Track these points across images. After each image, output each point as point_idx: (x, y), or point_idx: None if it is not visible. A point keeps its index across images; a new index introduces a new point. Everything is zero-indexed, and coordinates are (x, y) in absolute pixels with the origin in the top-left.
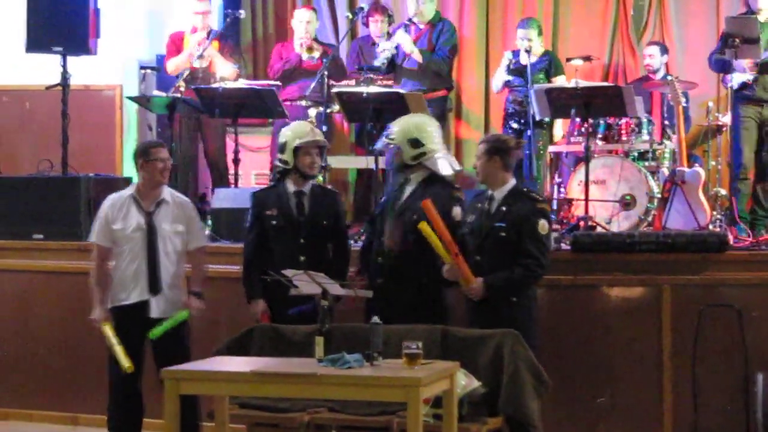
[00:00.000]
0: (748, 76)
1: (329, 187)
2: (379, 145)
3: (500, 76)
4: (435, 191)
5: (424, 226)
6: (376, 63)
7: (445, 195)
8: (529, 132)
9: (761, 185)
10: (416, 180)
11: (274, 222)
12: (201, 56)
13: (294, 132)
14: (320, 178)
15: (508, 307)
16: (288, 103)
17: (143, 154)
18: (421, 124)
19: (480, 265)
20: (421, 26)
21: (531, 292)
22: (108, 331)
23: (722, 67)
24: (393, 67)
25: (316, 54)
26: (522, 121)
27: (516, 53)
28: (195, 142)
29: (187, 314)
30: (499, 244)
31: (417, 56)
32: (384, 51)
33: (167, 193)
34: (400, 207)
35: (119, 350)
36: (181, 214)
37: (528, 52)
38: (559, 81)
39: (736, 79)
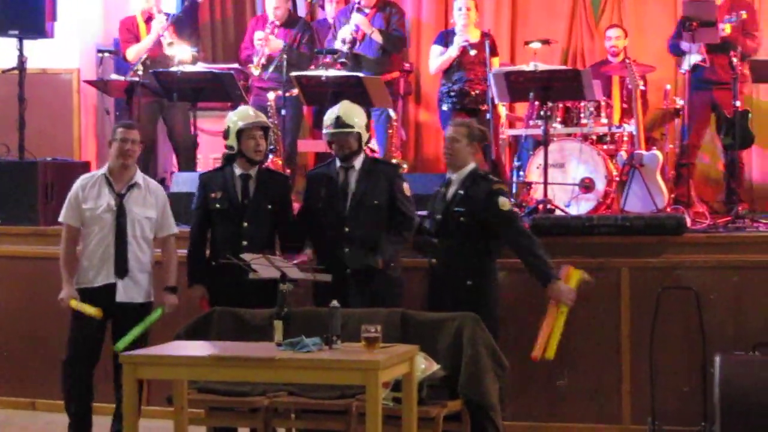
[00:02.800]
0: (698, 58)
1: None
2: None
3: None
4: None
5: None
6: (343, 49)
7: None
8: (488, 115)
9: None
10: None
11: (218, 205)
12: (171, 43)
13: (237, 116)
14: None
15: (466, 290)
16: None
17: (113, 133)
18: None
19: (439, 248)
20: (367, 10)
21: (492, 274)
22: (75, 303)
23: (677, 50)
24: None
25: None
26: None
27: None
28: (156, 125)
29: (162, 311)
30: (458, 228)
31: (377, 36)
32: (344, 40)
33: (140, 177)
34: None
35: (85, 307)
36: (153, 200)
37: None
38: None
39: (686, 62)
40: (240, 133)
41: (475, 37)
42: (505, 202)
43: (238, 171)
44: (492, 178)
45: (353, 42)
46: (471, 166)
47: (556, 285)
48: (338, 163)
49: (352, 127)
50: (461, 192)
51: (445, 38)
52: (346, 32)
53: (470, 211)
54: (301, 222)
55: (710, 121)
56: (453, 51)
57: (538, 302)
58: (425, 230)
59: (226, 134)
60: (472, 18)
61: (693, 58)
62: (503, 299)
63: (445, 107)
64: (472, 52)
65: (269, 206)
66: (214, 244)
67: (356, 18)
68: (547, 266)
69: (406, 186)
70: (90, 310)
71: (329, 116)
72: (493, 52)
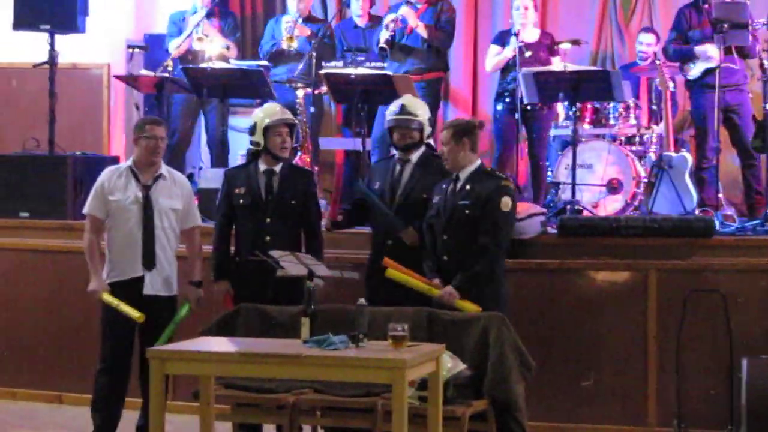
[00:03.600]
0: (711, 64)
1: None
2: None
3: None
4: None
5: (391, 274)
6: (381, 40)
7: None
8: (516, 115)
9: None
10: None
11: (241, 200)
12: (200, 38)
13: (264, 112)
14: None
15: (471, 297)
16: (277, 84)
17: (139, 129)
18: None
19: (448, 244)
20: (419, 5)
21: (500, 270)
22: (107, 297)
23: (684, 56)
24: (392, 46)
25: (295, 45)
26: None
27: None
28: (194, 121)
29: (189, 307)
30: (465, 223)
31: (422, 30)
32: (387, 26)
33: (165, 169)
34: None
35: (125, 307)
36: (179, 192)
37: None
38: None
39: (698, 67)
40: (266, 129)
41: (532, 36)
42: (507, 203)
43: (262, 167)
44: (500, 175)
45: (394, 34)
46: (476, 163)
47: (449, 299)
48: (397, 155)
49: (416, 116)
50: (468, 187)
51: (502, 38)
52: (390, 18)
53: (475, 205)
54: (358, 209)
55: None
56: (508, 52)
57: (561, 303)
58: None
59: (252, 130)
60: (530, 17)
61: (706, 65)
62: (523, 299)
63: (499, 107)
64: (527, 54)
65: (293, 202)
66: (238, 240)
67: (404, 10)
68: (467, 284)
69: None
70: (133, 313)
71: (393, 104)
72: (553, 52)
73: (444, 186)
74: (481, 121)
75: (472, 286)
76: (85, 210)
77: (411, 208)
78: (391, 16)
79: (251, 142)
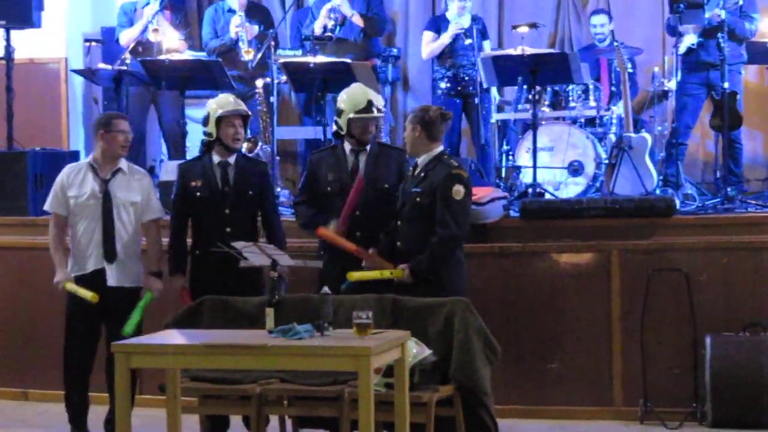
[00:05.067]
0: (693, 41)
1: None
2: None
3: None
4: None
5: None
6: (315, 30)
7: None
8: (476, 100)
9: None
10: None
11: (198, 193)
12: (155, 29)
13: (216, 103)
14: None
15: (433, 283)
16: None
17: (105, 125)
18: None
19: (401, 229)
20: None
21: (455, 264)
22: (70, 286)
23: (672, 31)
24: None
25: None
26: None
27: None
28: (146, 114)
29: (151, 296)
30: (415, 209)
31: (357, 20)
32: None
33: (124, 163)
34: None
35: (82, 291)
36: (137, 185)
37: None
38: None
39: (683, 44)
40: (219, 120)
41: (466, 22)
42: (458, 191)
43: (216, 159)
44: (452, 163)
45: (334, 26)
46: (437, 149)
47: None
48: (348, 147)
49: (382, 112)
50: (422, 174)
51: (436, 23)
52: (324, 14)
53: (426, 192)
54: (310, 204)
55: (705, 101)
56: (446, 38)
57: (525, 286)
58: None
59: (205, 121)
60: (468, 5)
61: (689, 40)
62: (487, 283)
63: (439, 92)
64: (468, 42)
65: (250, 192)
66: (197, 233)
67: (335, 1)
68: (424, 265)
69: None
70: (85, 293)
71: (358, 98)
72: (484, 36)
73: (407, 172)
74: (445, 113)
75: (429, 268)
76: (46, 207)
77: (372, 199)
78: (327, 6)
79: (204, 133)
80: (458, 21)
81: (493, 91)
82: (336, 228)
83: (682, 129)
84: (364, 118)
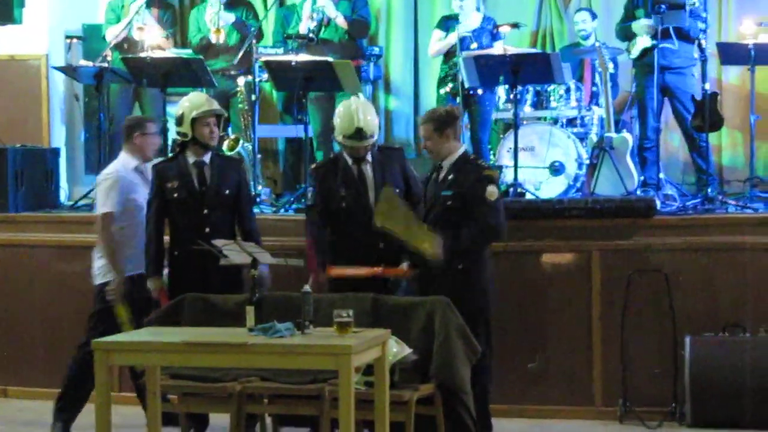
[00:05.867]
0: (647, 44)
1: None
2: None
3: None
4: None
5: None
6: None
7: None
8: (457, 99)
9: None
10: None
11: (175, 194)
12: (141, 27)
13: (191, 103)
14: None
15: (457, 274)
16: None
17: (139, 127)
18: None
19: None
20: None
21: (482, 258)
22: (122, 312)
23: (625, 34)
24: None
25: (223, 37)
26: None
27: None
28: (131, 110)
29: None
30: (446, 213)
31: (341, 21)
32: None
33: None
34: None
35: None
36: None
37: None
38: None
39: (637, 46)
40: (194, 120)
41: (475, 22)
42: (492, 192)
43: (191, 159)
44: (482, 164)
45: (317, 27)
46: (460, 150)
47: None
48: (349, 159)
49: (371, 137)
50: (451, 176)
51: (445, 23)
52: (307, 14)
53: (458, 195)
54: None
55: (664, 104)
56: (452, 38)
57: (506, 286)
58: None
59: (179, 121)
60: (467, 3)
61: (643, 42)
62: None
63: (442, 91)
64: (473, 46)
65: (227, 192)
66: (176, 234)
67: (321, 1)
68: (452, 245)
69: (411, 166)
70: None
71: (348, 124)
72: (495, 37)
73: (428, 175)
74: (459, 109)
75: (461, 252)
76: (105, 209)
77: None
78: (308, 5)
79: (178, 133)
80: (465, 23)
81: (500, 91)
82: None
83: (649, 132)
84: (352, 146)
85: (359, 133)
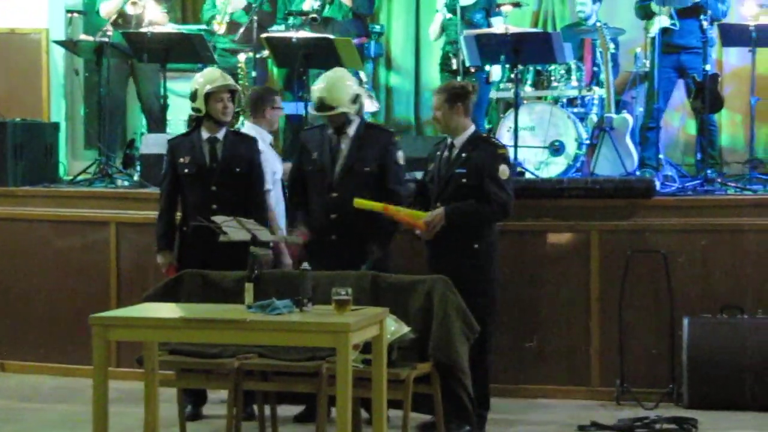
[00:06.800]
0: (667, 23)
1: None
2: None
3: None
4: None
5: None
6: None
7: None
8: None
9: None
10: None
11: (186, 170)
12: (134, 2)
13: (205, 78)
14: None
15: (472, 253)
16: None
17: (270, 101)
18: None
19: None
20: None
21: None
22: None
23: (644, 12)
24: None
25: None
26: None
27: None
28: (126, 86)
29: None
30: (460, 190)
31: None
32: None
33: None
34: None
35: None
36: None
37: None
38: (496, 22)
39: (655, 26)
40: (208, 96)
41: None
42: (504, 171)
43: (205, 135)
44: (496, 142)
45: (323, 3)
46: (470, 129)
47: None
48: (331, 128)
49: (333, 108)
50: (464, 155)
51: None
52: None
53: (471, 173)
54: (296, 181)
55: (677, 85)
56: (439, 18)
57: (505, 265)
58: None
59: (193, 97)
60: None
61: (662, 22)
62: None
63: (446, 71)
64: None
65: (237, 169)
66: (185, 210)
67: None
68: (461, 211)
69: (400, 154)
70: None
71: (312, 97)
72: (490, 14)
73: (438, 153)
74: (475, 85)
75: (464, 215)
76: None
77: (351, 180)
78: None
79: (193, 109)
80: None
81: (493, 67)
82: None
83: (654, 113)
84: (319, 115)
85: (321, 103)
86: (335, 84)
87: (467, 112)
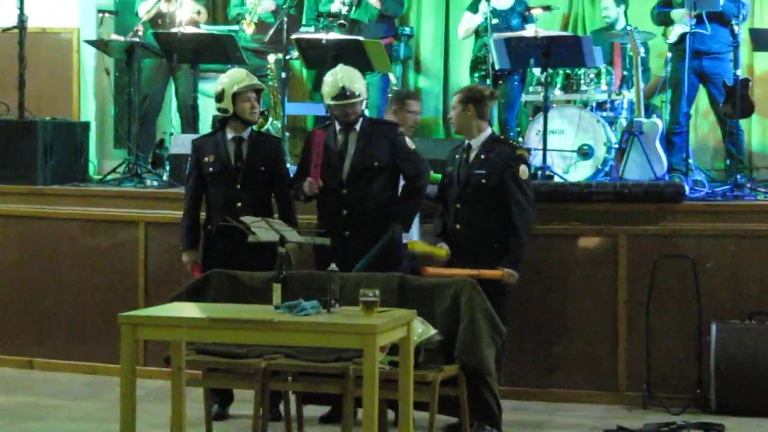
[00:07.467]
0: (686, 28)
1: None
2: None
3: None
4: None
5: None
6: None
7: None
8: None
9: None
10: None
11: (211, 169)
12: (169, 0)
13: (231, 79)
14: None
15: (492, 254)
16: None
17: (401, 102)
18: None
19: (461, 212)
20: None
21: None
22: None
23: (663, 19)
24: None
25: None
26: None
27: None
28: (166, 86)
29: None
30: (480, 191)
31: (375, 1)
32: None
33: None
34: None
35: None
36: None
37: None
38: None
39: (675, 31)
40: (235, 96)
41: (505, 3)
42: (524, 171)
43: (230, 134)
44: (514, 143)
45: (350, 5)
46: (487, 131)
47: (509, 273)
48: (337, 126)
49: (358, 96)
50: (482, 156)
51: (476, 4)
52: None
53: (491, 174)
54: (302, 179)
55: (698, 90)
56: (476, 19)
57: (532, 269)
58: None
59: (219, 97)
60: None
61: (681, 28)
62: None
63: (476, 74)
64: (495, 21)
65: (262, 168)
66: (210, 209)
67: None
68: (518, 255)
69: (408, 141)
70: None
71: (332, 86)
72: (527, 20)
73: (456, 156)
74: (494, 91)
75: (520, 254)
76: None
77: (360, 176)
78: None
79: (219, 109)
80: (492, 4)
81: (530, 71)
82: (311, 183)
83: (680, 117)
84: (340, 104)
85: (343, 92)
86: (353, 72)
87: (482, 115)
